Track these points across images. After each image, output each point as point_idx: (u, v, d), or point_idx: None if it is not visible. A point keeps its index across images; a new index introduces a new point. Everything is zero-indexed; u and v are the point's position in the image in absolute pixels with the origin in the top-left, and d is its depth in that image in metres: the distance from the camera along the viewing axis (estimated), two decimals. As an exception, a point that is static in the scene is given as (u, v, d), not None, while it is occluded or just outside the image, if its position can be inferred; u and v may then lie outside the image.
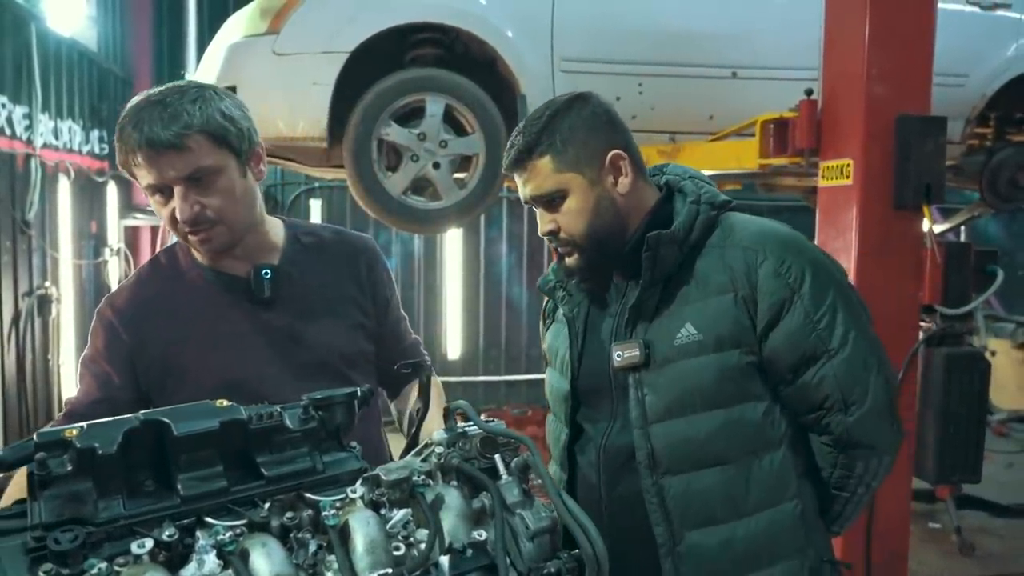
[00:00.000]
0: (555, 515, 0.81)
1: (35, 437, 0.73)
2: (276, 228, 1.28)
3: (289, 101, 2.92)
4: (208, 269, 1.22)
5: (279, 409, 0.82)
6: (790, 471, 1.11)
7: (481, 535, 0.76)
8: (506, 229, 6.51)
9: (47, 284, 4.35)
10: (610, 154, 1.13)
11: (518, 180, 1.16)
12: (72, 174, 4.69)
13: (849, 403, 1.08)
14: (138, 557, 0.68)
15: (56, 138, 4.52)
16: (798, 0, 3.06)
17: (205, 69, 3.12)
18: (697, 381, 1.08)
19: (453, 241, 6.36)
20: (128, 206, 5.85)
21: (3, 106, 3.86)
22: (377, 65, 2.93)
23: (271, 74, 2.92)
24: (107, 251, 5.41)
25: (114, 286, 6.27)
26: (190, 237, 1.15)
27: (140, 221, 5.85)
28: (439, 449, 0.87)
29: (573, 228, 1.13)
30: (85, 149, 5.06)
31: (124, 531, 0.72)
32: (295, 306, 1.22)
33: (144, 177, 1.10)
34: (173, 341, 1.18)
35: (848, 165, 2.27)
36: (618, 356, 1.11)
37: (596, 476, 1.16)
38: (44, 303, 4.31)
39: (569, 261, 1.17)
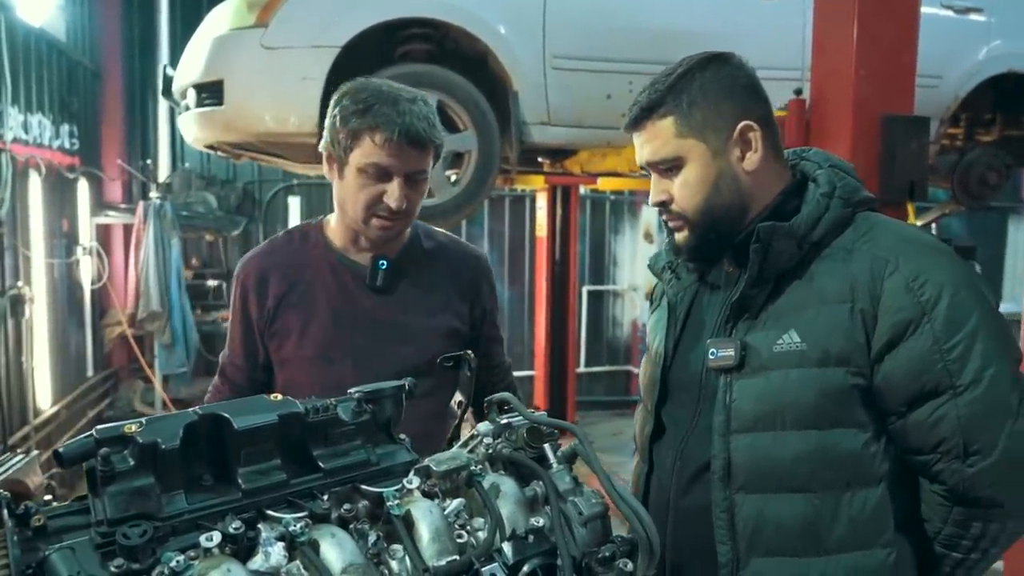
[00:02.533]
0: (605, 501, 0.83)
1: (95, 433, 0.73)
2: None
3: (279, 96, 2.89)
4: (338, 253, 1.33)
5: (333, 402, 0.82)
6: (887, 514, 0.98)
7: (539, 522, 0.79)
8: (488, 227, 6.52)
9: (19, 284, 4.22)
10: (741, 124, 1.01)
11: (636, 141, 1.06)
12: (43, 170, 4.55)
13: (970, 451, 0.93)
14: (208, 550, 0.68)
15: (26, 132, 4.38)
16: (786, 1, 3.14)
17: (188, 62, 3.06)
18: (792, 396, 0.96)
19: (434, 238, 6.33)
20: (99, 203, 5.70)
21: (-28, 99, 3.74)
22: (367, 60, 2.92)
23: (260, 68, 2.88)
24: (79, 250, 5.26)
25: (87, 287, 6.08)
26: (377, 220, 1.25)
27: (112, 219, 5.71)
28: (487, 440, 0.89)
29: (687, 202, 1.02)
30: (56, 144, 4.92)
31: (188, 525, 0.72)
32: (400, 301, 1.32)
33: (374, 156, 1.20)
34: (288, 304, 1.30)
35: (837, 163, 2.35)
36: (712, 354, 1.01)
37: (668, 479, 1.07)
38: (17, 303, 4.18)
39: (678, 237, 1.07)
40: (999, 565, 2.49)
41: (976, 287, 0.97)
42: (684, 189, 1.03)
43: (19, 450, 3.86)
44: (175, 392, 5.37)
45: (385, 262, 1.29)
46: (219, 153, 3.46)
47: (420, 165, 1.23)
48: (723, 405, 1.01)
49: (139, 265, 5.15)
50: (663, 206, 1.06)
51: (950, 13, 3.49)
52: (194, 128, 3.04)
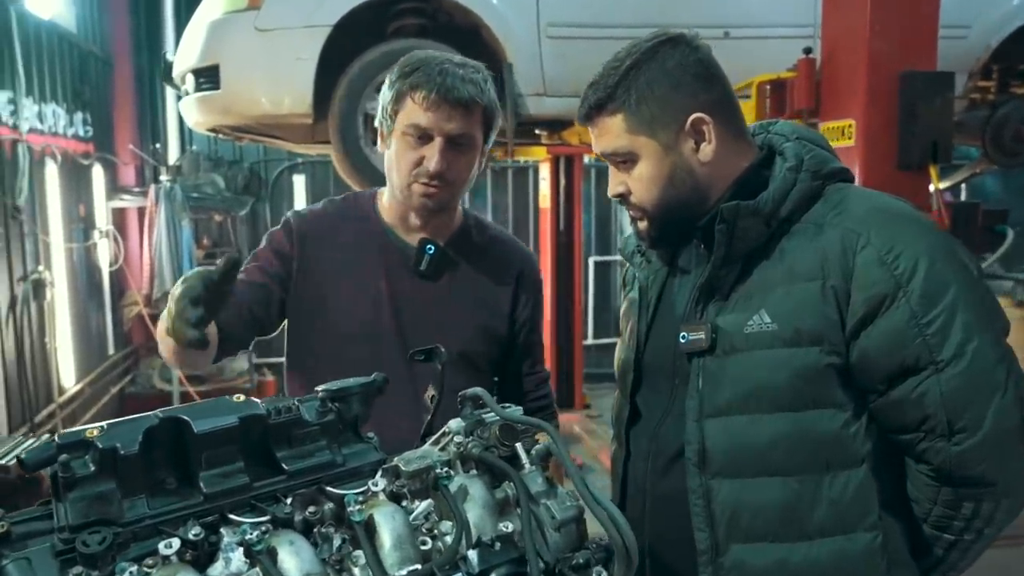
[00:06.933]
0: (580, 504, 0.80)
1: (56, 438, 0.72)
2: (457, 213, 1.34)
3: (273, 78, 2.87)
4: (388, 230, 1.30)
5: (296, 402, 0.81)
6: (871, 496, 0.94)
7: (508, 527, 0.76)
8: (491, 199, 6.47)
9: (40, 268, 4.31)
10: (692, 117, 0.96)
11: (591, 132, 1.04)
12: (59, 158, 4.62)
13: (955, 429, 0.88)
14: (166, 558, 0.67)
15: (41, 122, 4.44)
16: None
17: (185, 48, 3.05)
18: (765, 377, 0.93)
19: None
20: (114, 188, 5.77)
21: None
22: (359, 38, 2.87)
23: (254, 51, 2.86)
24: (96, 233, 5.35)
25: (105, 269, 6.22)
26: (418, 186, 1.22)
27: (127, 203, 5.78)
28: (458, 438, 0.86)
29: (643, 196, 1.00)
30: (70, 132, 4.97)
31: (149, 531, 0.71)
32: (443, 291, 1.28)
33: (417, 116, 1.18)
34: (331, 274, 1.27)
35: (850, 126, 2.25)
36: (683, 338, 0.98)
37: (645, 465, 1.05)
38: (39, 287, 4.28)
39: (640, 226, 1.05)
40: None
41: (955, 256, 0.92)
42: (639, 183, 1.01)
43: (46, 427, 3.99)
44: (192, 369, 5.48)
45: (432, 247, 1.26)
46: (221, 136, 3.46)
47: (463, 128, 1.18)
48: (695, 389, 0.98)
49: (152, 247, 5.23)
50: (622, 198, 1.04)
51: (979, -43, 3.29)
52: (194, 112, 3.04)
